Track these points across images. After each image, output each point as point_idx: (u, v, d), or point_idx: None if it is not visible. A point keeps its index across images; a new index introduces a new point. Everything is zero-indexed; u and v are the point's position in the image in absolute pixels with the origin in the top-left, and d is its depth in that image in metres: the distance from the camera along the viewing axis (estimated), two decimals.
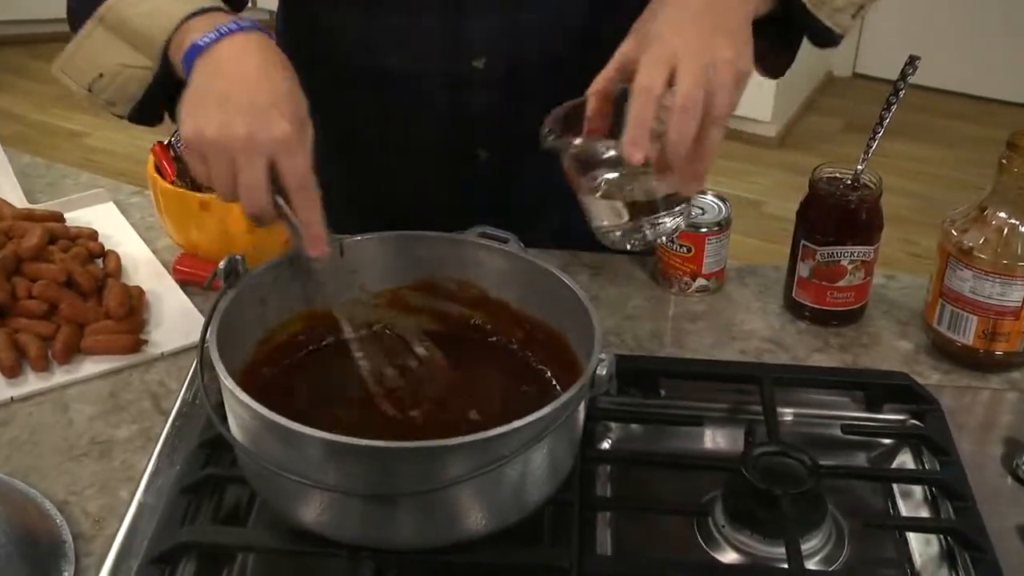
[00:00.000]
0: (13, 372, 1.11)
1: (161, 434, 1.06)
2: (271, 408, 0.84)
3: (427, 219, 1.36)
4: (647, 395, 1.14)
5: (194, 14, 1.00)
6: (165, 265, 1.29)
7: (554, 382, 1.03)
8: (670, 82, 0.92)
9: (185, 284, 1.26)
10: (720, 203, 1.28)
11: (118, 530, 0.96)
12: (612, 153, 0.98)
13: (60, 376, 1.13)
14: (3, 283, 1.17)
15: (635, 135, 0.91)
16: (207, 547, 0.94)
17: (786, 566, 0.93)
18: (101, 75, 1.06)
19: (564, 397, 0.87)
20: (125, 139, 3.94)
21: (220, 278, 0.97)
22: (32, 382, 1.12)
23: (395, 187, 1.38)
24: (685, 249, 1.26)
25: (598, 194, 1.01)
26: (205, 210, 1.21)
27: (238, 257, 0.98)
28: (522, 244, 1.06)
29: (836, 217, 1.20)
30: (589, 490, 0.99)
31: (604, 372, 0.89)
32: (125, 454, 1.04)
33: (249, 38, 0.98)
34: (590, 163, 1.01)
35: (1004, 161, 1.11)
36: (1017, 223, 1.12)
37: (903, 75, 1.21)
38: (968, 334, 1.17)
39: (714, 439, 1.13)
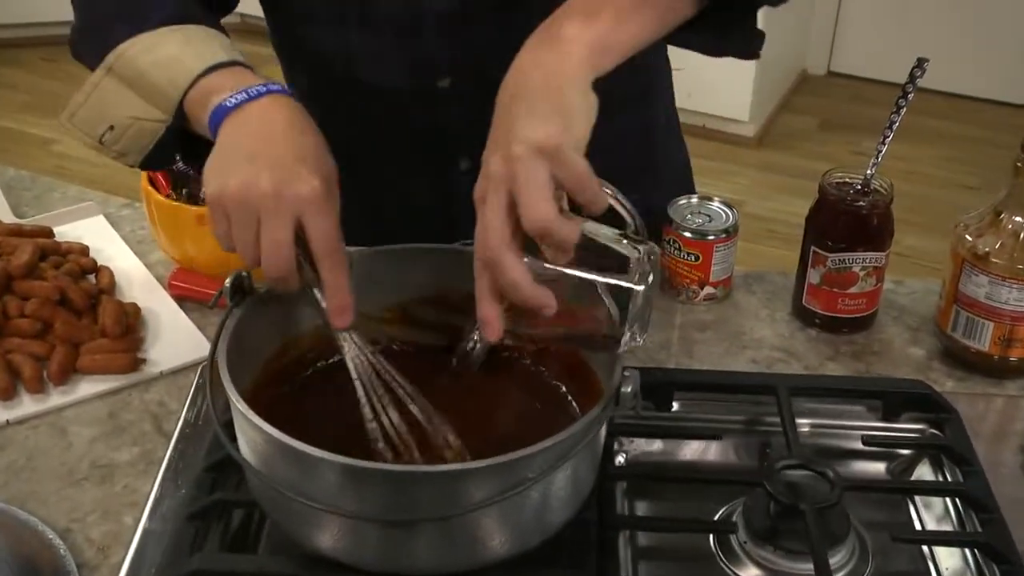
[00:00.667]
0: (7, 394, 1.08)
1: (164, 457, 1.03)
2: (281, 428, 0.82)
3: (412, 229, 1.34)
4: (660, 408, 1.11)
5: (212, 68, 0.98)
6: (160, 280, 1.26)
7: (570, 398, 1.00)
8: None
9: (181, 300, 1.23)
10: (728, 210, 1.26)
11: (124, 558, 0.93)
12: None
13: (56, 398, 1.09)
14: None
15: (482, 313, 0.89)
16: None
17: None
18: (112, 128, 1.02)
19: (589, 416, 0.85)
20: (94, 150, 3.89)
21: (226, 296, 0.94)
22: (28, 404, 1.08)
23: (380, 198, 1.35)
24: (693, 257, 1.24)
25: None
26: (202, 224, 1.18)
27: (244, 274, 0.95)
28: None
29: (847, 223, 1.19)
30: (608, 508, 0.96)
31: (629, 389, 0.86)
32: (127, 478, 1.01)
33: (277, 100, 0.96)
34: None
35: (1020, 164, 1.10)
36: None
37: (911, 77, 1.19)
38: (984, 340, 1.15)
39: (728, 452, 1.10)
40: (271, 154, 0.91)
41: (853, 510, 0.99)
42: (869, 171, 1.20)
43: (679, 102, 1.46)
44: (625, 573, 0.95)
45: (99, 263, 1.26)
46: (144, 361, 1.13)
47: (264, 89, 0.96)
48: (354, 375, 0.93)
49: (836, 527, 0.97)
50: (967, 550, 0.97)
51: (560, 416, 0.98)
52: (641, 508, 1.03)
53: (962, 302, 1.15)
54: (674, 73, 1.40)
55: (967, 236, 1.14)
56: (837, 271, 1.19)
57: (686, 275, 1.26)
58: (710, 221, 1.25)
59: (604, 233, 0.86)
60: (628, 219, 0.89)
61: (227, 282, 0.94)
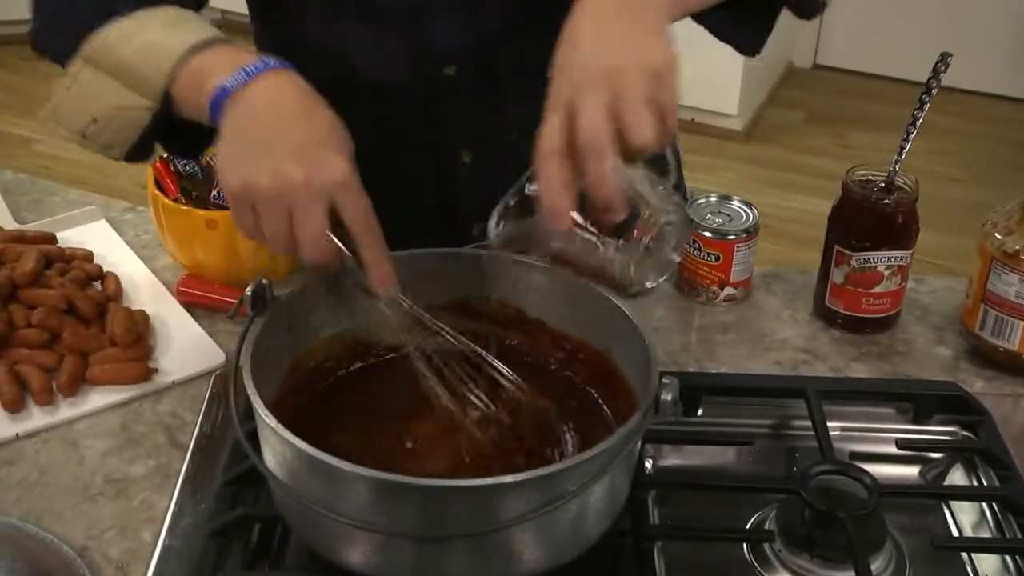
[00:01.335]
0: (16, 407, 1.05)
1: (180, 470, 1.00)
2: (306, 440, 0.79)
3: (412, 226, 1.32)
4: (686, 413, 1.09)
5: (195, 48, 0.94)
6: (167, 287, 1.23)
7: (600, 401, 0.98)
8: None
9: (190, 307, 1.19)
10: (748, 209, 1.24)
11: None
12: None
13: (67, 410, 1.06)
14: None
15: (551, 202, 0.83)
16: None
17: None
18: (95, 120, 0.98)
19: (629, 425, 0.82)
20: (77, 146, 3.83)
21: (247, 305, 0.91)
22: (37, 417, 1.05)
23: (378, 195, 1.31)
24: (713, 257, 1.22)
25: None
26: (212, 228, 1.15)
27: (265, 282, 0.92)
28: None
29: (871, 221, 1.16)
30: (643, 518, 0.94)
31: (669, 397, 0.84)
32: (143, 493, 0.98)
33: (279, 76, 0.92)
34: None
35: None
36: None
37: (935, 72, 1.17)
38: (1014, 339, 1.13)
39: (754, 457, 1.08)
40: (291, 139, 0.87)
41: (888, 516, 0.97)
42: (893, 168, 1.18)
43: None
44: None
45: (104, 269, 1.22)
46: (156, 371, 1.10)
47: (262, 66, 0.91)
48: (403, 333, 0.93)
49: (873, 534, 0.95)
50: (1008, 557, 0.95)
51: (594, 422, 0.96)
52: (668, 516, 1.00)
53: (991, 301, 1.13)
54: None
55: (996, 234, 1.12)
56: (861, 270, 1.17)
57: (706, 276, 1.23)
58: (730, 221, 1.23)
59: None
60: (672, 167, 0.89)
61: (247, 291, 0.91)
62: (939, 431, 1.08)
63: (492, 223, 0.94)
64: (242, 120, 0.90)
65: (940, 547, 0.95)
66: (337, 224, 0.87)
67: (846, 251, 1.17)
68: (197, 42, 0.94)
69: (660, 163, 0.88)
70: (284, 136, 0.87)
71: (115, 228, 1.33)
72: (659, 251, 0.90)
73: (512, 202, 0.94)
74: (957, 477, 1.05)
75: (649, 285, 0.93)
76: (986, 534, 1.00)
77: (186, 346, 1.14)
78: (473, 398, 0.93)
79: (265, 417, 0.81)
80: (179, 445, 1.03)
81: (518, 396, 0.94)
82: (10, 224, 1.31)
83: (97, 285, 1.21)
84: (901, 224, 1.16)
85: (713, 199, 1.26)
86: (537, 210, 0.86)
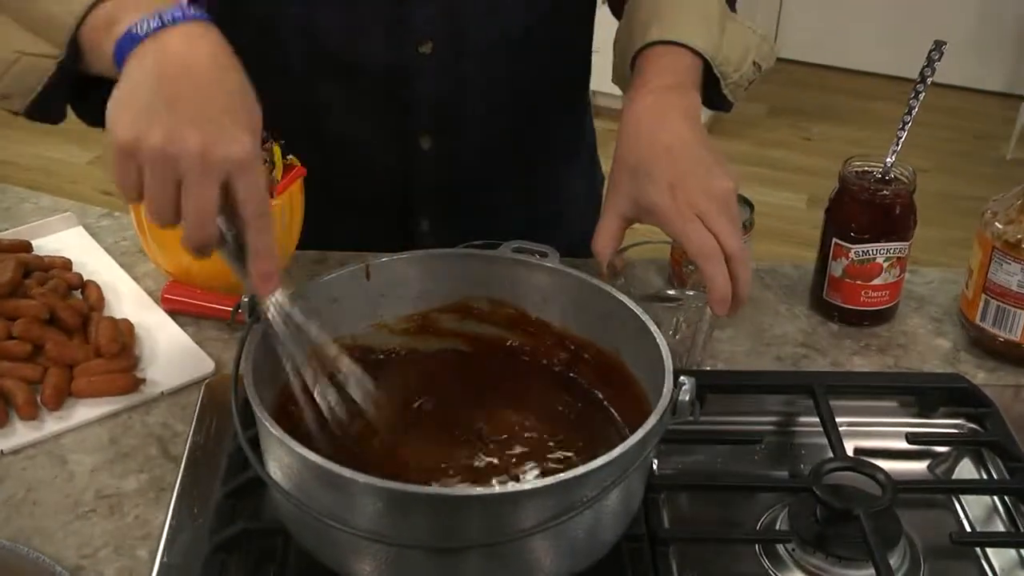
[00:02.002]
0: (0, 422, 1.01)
1: (175, 483, 0.96)
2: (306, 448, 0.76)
3: (366, 211, 1.29)
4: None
5: None
6: (150, 294, 1.19)
7: (607, 403, 0.96)
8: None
9: (175, 314, 1.16)
10: (743, 204, 1.22)
11: None
12: None
13: (52, 424, 1.02)
14: None
15: (722, 295, 0.96)
16: None
17: None
18: None
19: (646, 427, 0.80)
20: (31, 151, 3.75)
21: (244, 311, 0.88)
22: (22, 433, 1.01)
23: (331, 182, 1.28)
24: None
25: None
26: None
27: None
28: (560, 256, 0.99)
29: (870, 213, 1.15)
30: (656, 522, 0.92)
31: (687, 397, 0.82)
32: (137, 508, 0.95)
33: (196, 29, 0.84)
34: None
35: None
36: None
37: (929, 60, 1.16)
38: (1016, 330, 1.12)
39: (759, 455, 1.06)
40: (195, 101, 0.80)
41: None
42: (889, 159, 1.16)
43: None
44: None
45: (84, 278, 1.19)
46: (143, 381, 1.06)
47: (180, 15, 0.83)
48: (280, 336, 0.86)
49: (889, 531, 0.93)
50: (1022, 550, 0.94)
51: (603, 423, 0.94)
52: (677, 518, 0.98)
53: (992, 291, 1.12)
54: (608, 63, 1.38)
55: (996, 223, 1.10)
56: (860, 263, 1.15)
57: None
58: None
59: None
60: None
61: (244, 297, 0.88)
62: (945, 424, 1.06)
63: None
64: (145, 70, 0.82)
65: (960, 543, 0.94)
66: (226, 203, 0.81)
67: (845, 243, 1.15)
68: None
69: None
70: (188, 96, 0.80)
71: (92, 235, 1.29)
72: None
73: None
74: (965, 470, 1.04)
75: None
76: (998, 527, 0.98)
77: (173, 355, 1.10)
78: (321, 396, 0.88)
79: (271, 428, 0.78)
80: (172, 457, 1.00)
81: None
82: None
83: (77, 294, 1.17)
84: (899, 215, 1.15)
85: None
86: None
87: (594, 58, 1.35)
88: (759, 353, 1.16)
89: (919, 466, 1.05)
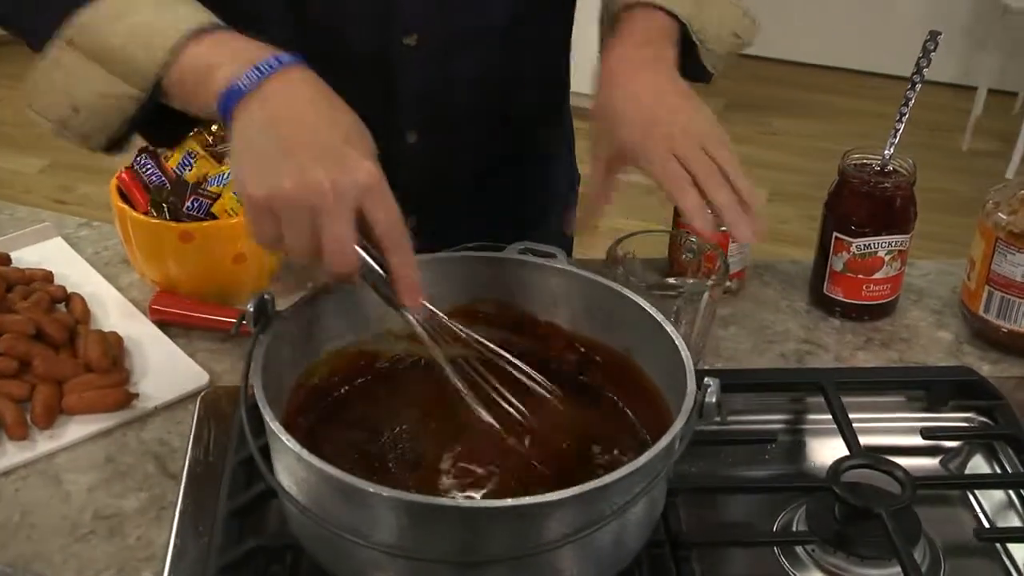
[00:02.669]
0: None
1: (176, 502, 0.93)
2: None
3: None
4: None
5: (192, 35, 0.86)
6: (137, 305, 1.15)
7: (623, 405, 0.93)
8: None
9: (164, 326, 1.12)
10: None
11: None
12: None
13: (44, 443, 0.98)
14: None
15: (702, 226, 0.96)
16: None
17: None
18: (76, 109, 0.90)
19: (673, 432, 0.78)
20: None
21: (249, 322, 0.85)
22: (12, 453, 0.97)
23: None
24: (708, 249, 1.18)
25: None
26: (186, 242, 1.08)
27: (267, 296, 0.86)
28: (569, 258, 0.97)
29: (871, 206, 1.14)
30: (676, 527, 0.90)
31: (714, 399, 0.80)
32: (139, 528, 0.91)
33: (294, 73, 0.85)
34: None
35: None
36: None
37: (925, 51, 1.15)
38: (1021, 320, 1.11)
39: (769, 455, 1.04)
40: (314, 142, 0.81)
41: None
42: (888, 151, 1.15)
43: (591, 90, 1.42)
44: None
45: (68, 290, 1.15)
46: (136, 396, 1.03)
47: (276, 63, 0.85)
48: (430, 344, 0.88)
49: (908, 528, 0.92)
50: None
51: (620, 428, 0.92)
52: (693, 521, 0.96)
53: (996, 283, 1.11)
54: (587, 63, 1.37)
55: (1000, 214, 1.09)
56: (862, 256, 1.14)
57: (701, 268, 1.19)
58: None
59: None
60: None
61: (249, 307, 0.85)
62: (956, 418, 1.05)
63: None
64: (258, 123, 0.83)
65: (985, 539, 0.92)
66: (361, 231, 0.82)
67: (846, 237, 1.14)
68: (195, 27, 0.87)
69: None
70: (306, 139, 0.81)
71: (72, 245, 1.26)
72: None
73: None
74: (978, 464, 1.03)
75: None
76: (1013, 521, 0.97)
77: (165, 368, 1.07)
78: (511, 410, 0.88)
79: (287, 441, 0.75)
80: (171, 474, 0.96)
81: (555, 404, 0.89)
82: None
83: (61, 307, 1.13)
84: (900, 207, 1.14)
85: None
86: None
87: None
88: (762, 350, 1.14)
89: (931, 461, 1.04)
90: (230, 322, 1.10)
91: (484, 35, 1.19)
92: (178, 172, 1.13)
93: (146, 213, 1.10)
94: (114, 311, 1.14)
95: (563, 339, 0.96)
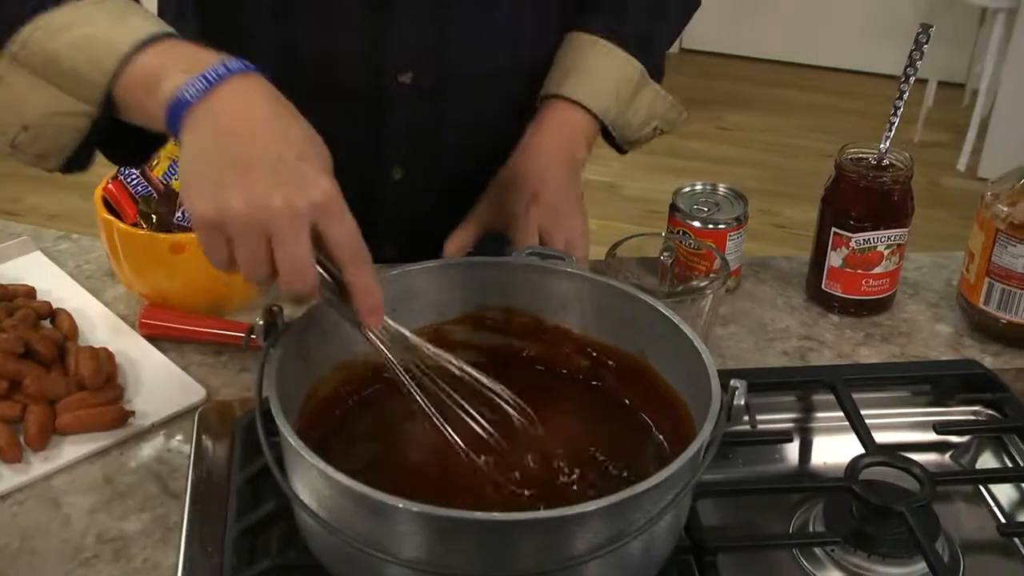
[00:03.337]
0: None
1: (182, 522, 0.90)
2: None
3: (382, 244, 1.24)
4: None
5: (142, 44, 0.82)
6: (124, 319, 1.12)
7: (639, 410, 0.92)
8: None
9: (155, 340, 1.09)
10: (735, 197, 1.19)
11: None
12: None
13: (40, 465, 0.95)
14: None
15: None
16: None
17: None
18: (25, 128, 0.85)
19: (703, 436, 0.76)
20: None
21: (259, 335, 0.82)
22: (8, 477, 0.94)
23: None
24: (705, 248, 1.16)
25: None
26: (178, 253, 1.05)
27: (276, 308, 0.83)
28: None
29: (869, 200, 1.13)
30: (698, 531, 0.88)
31: (742, 401, 0.78)
32: (144, 551, 0.88)
33: (245, 82, 0.80)
34: None
35: None
36: None
37: (917, 43, 1.14)
38: (1022, 312, 1.11)
39: (779, 454, 1.03)
40: (267, 159, 0.76)
41: None
42: (883, 145, 1.15)
43: None
44: None
45: (53, 306, 1.11)
46: (132, 413, 0.99)
47: (224, 70, 0.79)
48: (404, 377, 0.84)
49: (928, 525, 0.91)
50: None
51: (636, 431, 0.90)
52: (711, 524, 0.95)
53: (996, 274, 1.11)
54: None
55: (1000, 206, 1.09)
56: (861, 251, 1.13)
57: (696, 267, 1.18)
58: (719, 209, 1.18)
59: None
60: None
61: (259, 320, 0.82)
62: (963, 412, 1.05)
63: None
64: (207, 137, 0.78)
65: (1007, 533, 0.92)
66: (318, 248, 0.78)
67: (845, 232, 1.13)
68: (144, 36, 0.82)
69: None
70: (258, 155, 0.76)
71: (52, 259, 1.22)
72: None
73: None
74: (989, 458, 1.02)
75: None
76: None
77: (159, 383, 1.04)
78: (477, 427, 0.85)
79: (310, 459, 0.73)
80: (173, 493, 0.93)
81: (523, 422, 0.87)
82: None
83: (47, 323, 1.09)
84: (898, 201, 1.13)
85: (698, 187, 1.21)
86: None
87: None
88: (763, 349, 1.13)
89: (942, 457, 1.03)
90: (226, 335, 1.07)
91: (483, 77, 1.18)
92: (164, 181, 1.10)
93: (135, 224, 1.07)
94: (101, 326, 1.11)
95: (573, 344, 0.94)
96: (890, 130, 1.15)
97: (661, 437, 0.89)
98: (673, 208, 1.18)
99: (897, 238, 1.13)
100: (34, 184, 3.40)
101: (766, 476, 1.01)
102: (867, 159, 1.15)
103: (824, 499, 0.94)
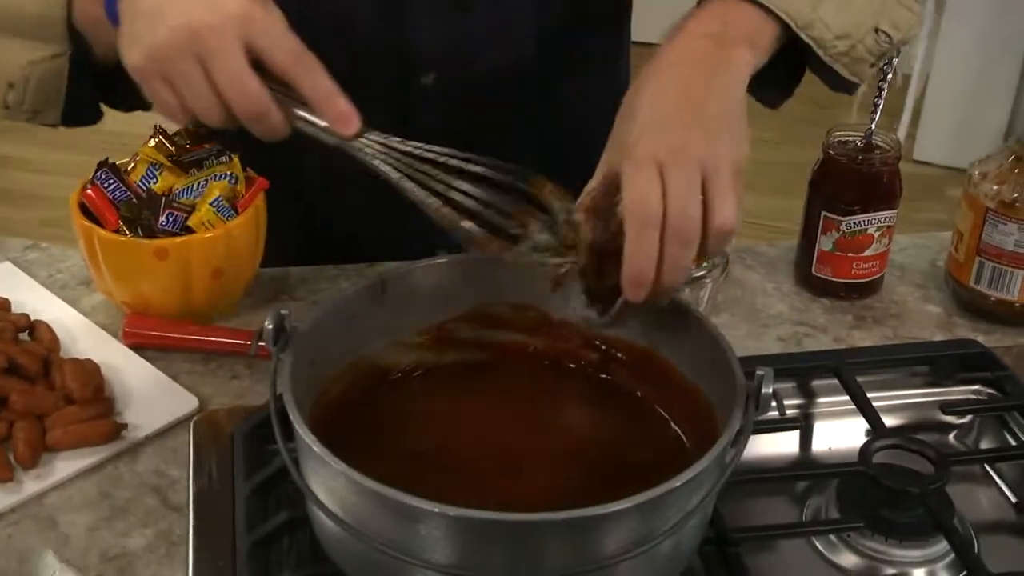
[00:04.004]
0: None
1: (188, 535, 0.87)
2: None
3: (359, 243, 1.21)
4: None
5: None
6: (106, 329, 1.08)
7: (652, 403, 0.90)
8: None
9: (140, 349, 1.06)
10: None
11: None
12: None
13: (32, 484, 0.91)
14: None
15: (635, 273, 0.78)
16: None
17: (926, 570, 0.87)
18: (11, 85, 0.88)
19: (733, 426, 0.75)
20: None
21: (267, 340, 0.80)
22: None
23: (313, 210, 1.22)
24: None
25: None
26: (161, 259, 1.02)
27: (284, 312, 0.81)
28: None
29: (859, 183, 1.13)
30: (720, 522, 0.87)
31: (770, 389, 0.77)
32: (150, 568, 0.85)
33: None
34: None
35: None
36: None
37: None
38: (1013, 290, 1.11)
39: (786, 440, 1.03)
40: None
41: None
42: (871, 127, 1.14)
43: None
44: None
45: (31, 318, 1.07)
46: (125, 426, 0.96)
47: None
48: (394, 175, 0.81)
49: (944, 507, 0.91)
50: None
51: (653, 425, 0.89)
52: (728, 513, 0.94)
53: (986, 253, 1.11)
54: None
55: (989, 184, 1.09)
56: (852, 234, 1.13)
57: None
58: None
59: None
60: None
61: (267, 324, 0.80)
62: (964, 391, 1.05)
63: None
64: (135, 3, 0.80)
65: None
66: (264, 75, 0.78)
67: (835, 216, 1.13)
68: None
69: None
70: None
71: (22, 269, 1.18)
72: None
73: None
74: (992, 437, 1.03)
75: None
76: None
77: (149, 394, 1.01)
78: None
79: (335, 464, 0.71)
80: (174, 507, 0.90)
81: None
82: None
83: (25, 336, 1.05)
84: (887, 182, 1.13)
85: None
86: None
87: None
88: (758, 335, 1.12)
89: (944, 437, 1.03)
90: (216, 342, 1.04)
91: (505, 71, 1.12)
92: (142, 186, 1.06)
93: (116, 231, 1.03)
94: (83, 337, 1.07)
95: (581, 337, 0.93)
96: (875, 112, 1.14)
97: (678, 429, 0.88)
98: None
99: (887, 220, 1.13)
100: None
101: (774, 464, 1.00)
102: (853, 142, 1.15)
103: (835, 484, 0.93)
